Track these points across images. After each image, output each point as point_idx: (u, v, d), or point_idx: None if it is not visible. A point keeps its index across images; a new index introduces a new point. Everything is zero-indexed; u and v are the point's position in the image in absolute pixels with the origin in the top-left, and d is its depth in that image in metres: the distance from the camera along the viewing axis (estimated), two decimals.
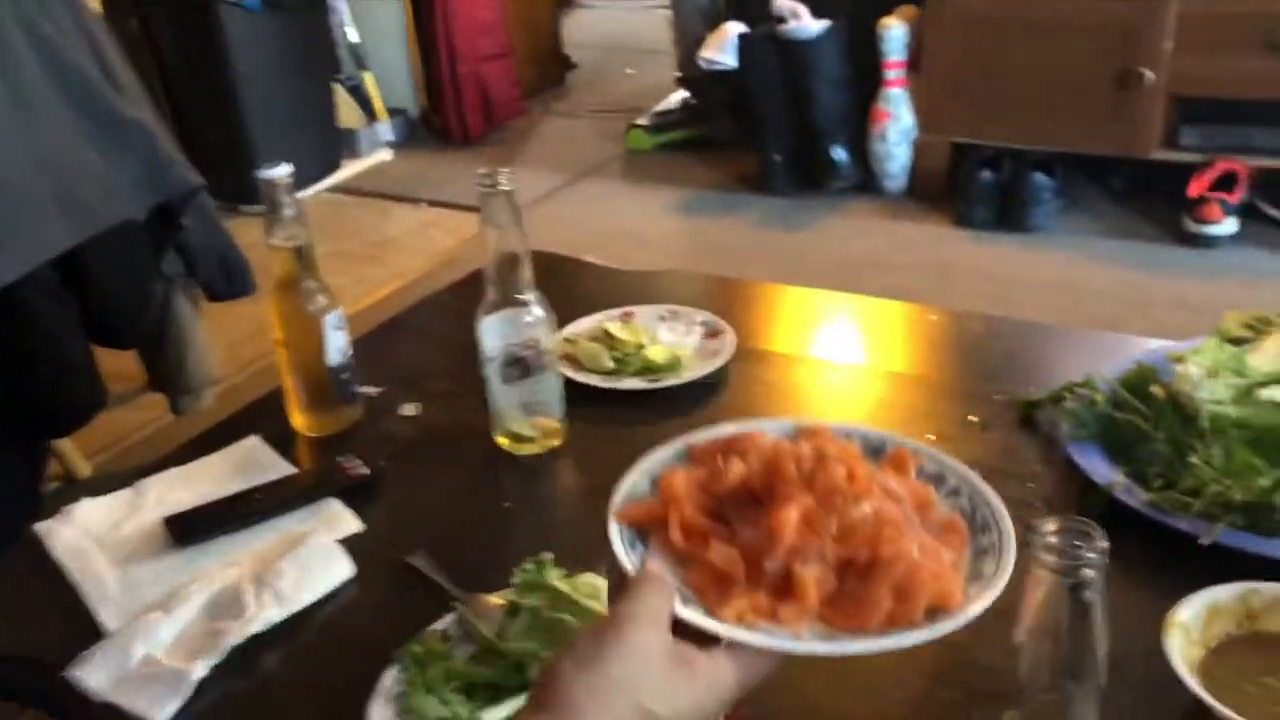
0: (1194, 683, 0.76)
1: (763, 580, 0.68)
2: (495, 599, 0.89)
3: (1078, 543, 0.53)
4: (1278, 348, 1.09)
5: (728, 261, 3.13)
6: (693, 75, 3.95)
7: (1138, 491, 0.97)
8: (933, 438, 1.14)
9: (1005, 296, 2.81)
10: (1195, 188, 2.93)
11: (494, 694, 0.82)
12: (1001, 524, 0.70)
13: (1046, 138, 3.13)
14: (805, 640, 0.65)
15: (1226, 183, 2.94)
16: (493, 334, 1.11)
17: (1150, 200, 3.15)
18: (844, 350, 1.39)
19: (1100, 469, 1.01)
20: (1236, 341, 1.15)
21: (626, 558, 0.69)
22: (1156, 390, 1.06)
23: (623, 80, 5.10)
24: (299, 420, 1.22)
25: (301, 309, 1.16)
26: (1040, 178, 3.10)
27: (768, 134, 3.52)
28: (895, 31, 3.29)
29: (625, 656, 0.59)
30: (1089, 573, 0.52)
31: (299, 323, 1.17)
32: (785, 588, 0.67)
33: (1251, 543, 0.89)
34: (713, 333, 1.34)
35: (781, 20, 3.36)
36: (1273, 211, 2.98)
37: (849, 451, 0.74)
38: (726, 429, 0.79)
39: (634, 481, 0.77)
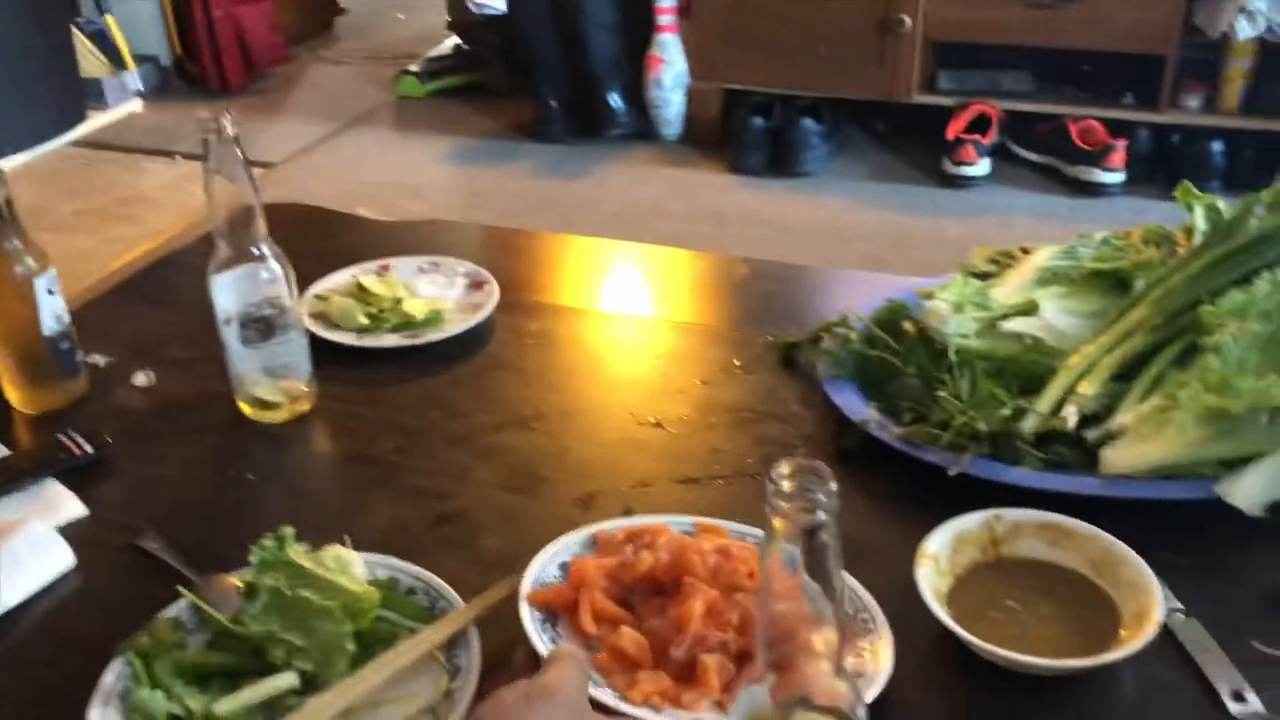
0: (941, 612, 0.77)
1: (668, 666, 0.75)
2: (234, 579, 0.82)
3: (810, 486, 0.51)
4: (1019, 280, 1.13)
5: (504, 212, 3.07)
6: (464, 20, 3.83)
7: (891, 426, 0.99)
8: (699, 382, 1.13)
9: (778, 241, 2.86)
10: (952, 130, 3.06)
11: (232, 682, 0.76)
12: (876, 616, 0.78)
13: (813, 83, 3.20)
14: None
15: (980, 125, 3.08)
16: (227, 293, 1.02)
17: (912, 143, 3.27)
18: (611, 299, 1.36)
19: (855, 406, 1.02)
20: (983, 276, 1.18)
21: (539, 639, 0.76)
22: (907, 326, 1.09)
23: (394, 26, 4.91)
24: (14, 396, 1.10)
25: (7, 274, 1.04)
26: (809, 123, 3.16)
27: (542, 81, 3.46)
28: None
29: (554, 714, 0.60)
30: (821, 515, 0.51)
31: (5, 289, 1.05)
32: (689, 674, 0.74)
33: (996, 471, 0.92)
34: (476, 284, 1.29)
35: None
36: (1022, 152, 3.14)
37: (746, 550, 0.81)
38: (633, 521, 0.87)
39: (543, 565, 0.82)
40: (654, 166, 3.34)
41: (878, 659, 0.75)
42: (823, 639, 0.55)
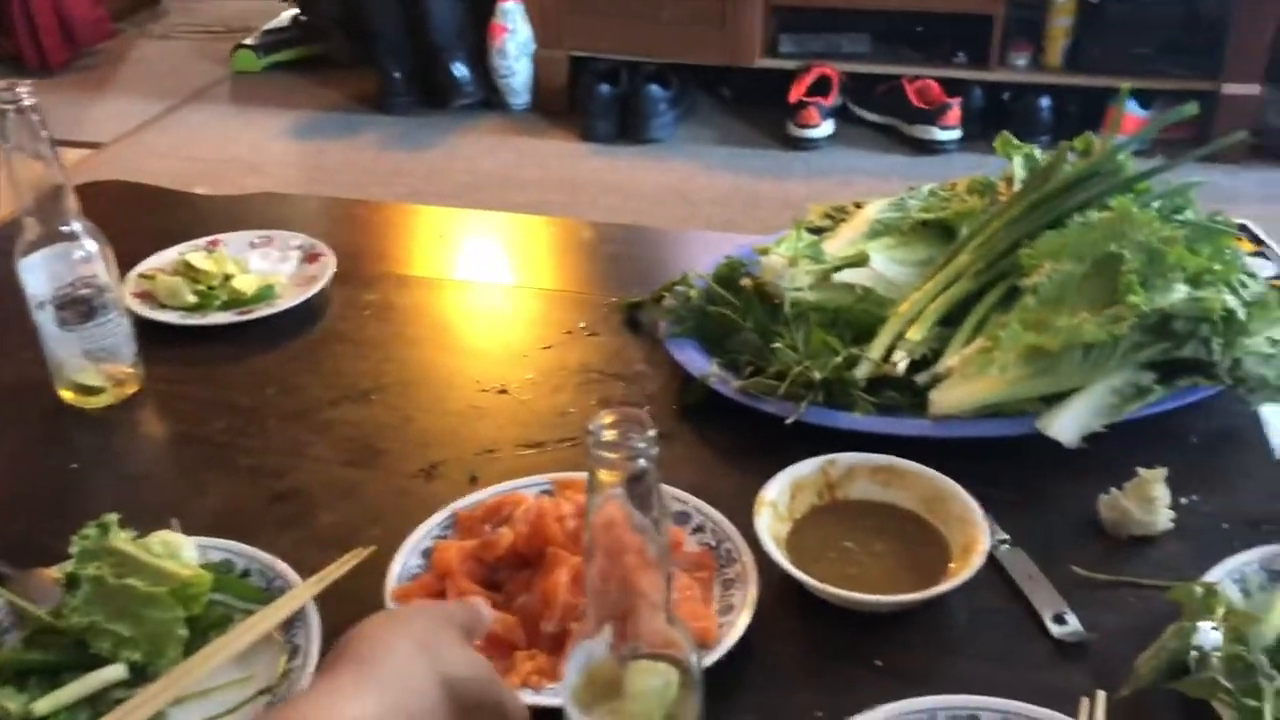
0: (779, 555, 0.79)
1: (541, 642, 0.75)
2: (53, 572, 0.79)
3: (630, 434, 0.52)
4: (852, 234, 1.15)
5: (349, 186, 2.99)
6: None
7: (731, 380, 1.00)
8: (543, 347, 1.12)
9: (628, 207, 2.86)
10: (794, 93, 3.10)
11: (54, 680, 0.72)
12: (743, 556, 0.80)
13: (658, 49, 3.20)
14: None
15: (822, 88, 3.13)
16: (38, 275, 0.97)
17: (758, 108, 3.30)
18: (453, 267, 1.34)
19: (696, 362, 1.03)
20: (818, 232, 1.21)
21: None
22: (745, 283, 1.10)
23: None
24: None
25: None
26: (656, 90, 3.17)
27: (384, 51, 3.38)
28: None
29: (410, 625, 0.58)
30: (643, 463, 0.51)
31: None
32: (564, 646, 0.73)
33: (831, 418, 0.94)
34: (312, 257, 1.26)
35: None
36: (862, 113, 3.21)
37: None
38: (488, 493, 0.86)
39: (405, 559, 0.80)
40: (503, 136, 3.30)
41: (746, 592, 0.77)
42: (653, 586, 0.55)
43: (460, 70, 3.34)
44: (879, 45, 3.19)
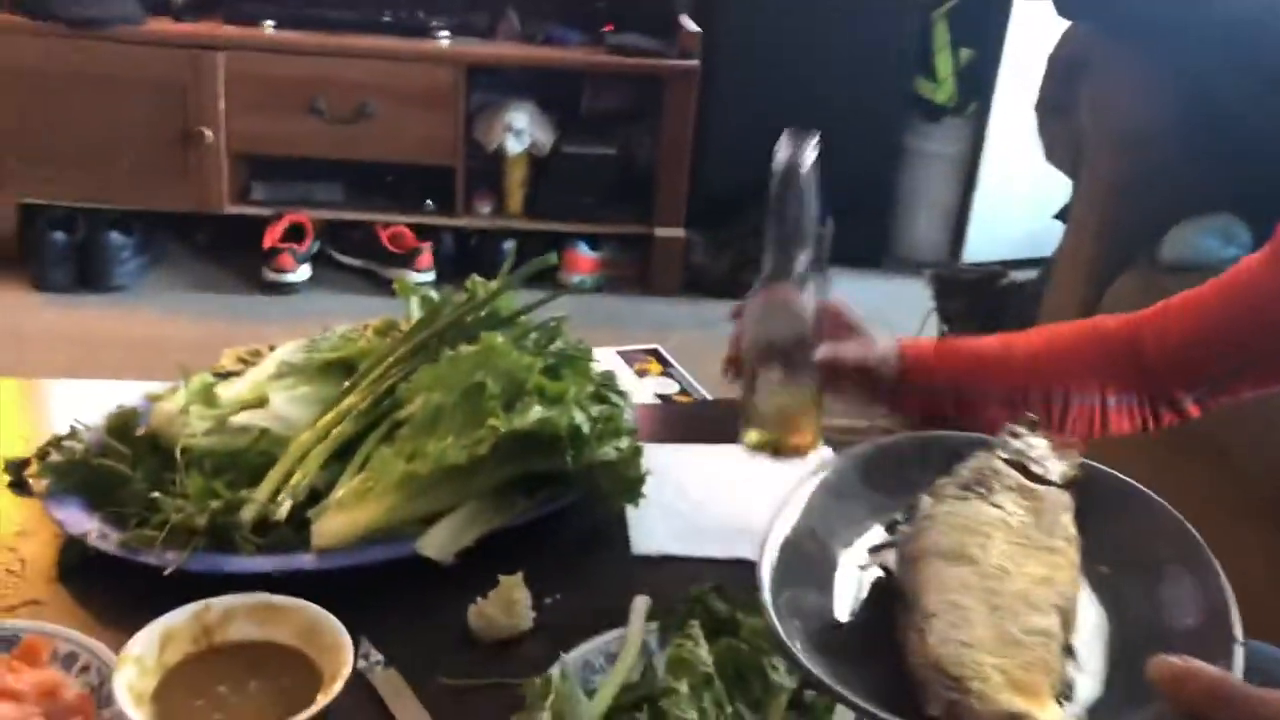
0: (132, 710, 0.76)
1: None
2: None
3: None
4: (256, 376, 1.17)
5: None
6: None
7: (113, 535, 0.97)
8: None
9: (89, 359, 2.69)
10: (269, 239, 3.10)
11: None
12: None
13: (117, 195, 3.07)
14: None
15: (297, 233, 3.16)
16: None
17: (233, 253, 3.26)
18: None
19: (77, 519, 0.99)
20: (229, 376, 1.21)
21: None
22: (139, 431, 1.08)
23: None
24: None
25: None
26: (117, 236, 3.03)
27: None
28: None
29: None
30: None
31: None
32: None
33: (215, 563, 0.94)
34: None
35: None
36: (340, 257, 3.27)
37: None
38: None
39: None
40: None
41: None
42: None
43: None
44: (352, 193, 3.29)
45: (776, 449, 1.05)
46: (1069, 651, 0.64)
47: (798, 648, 0.64)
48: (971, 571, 0.66)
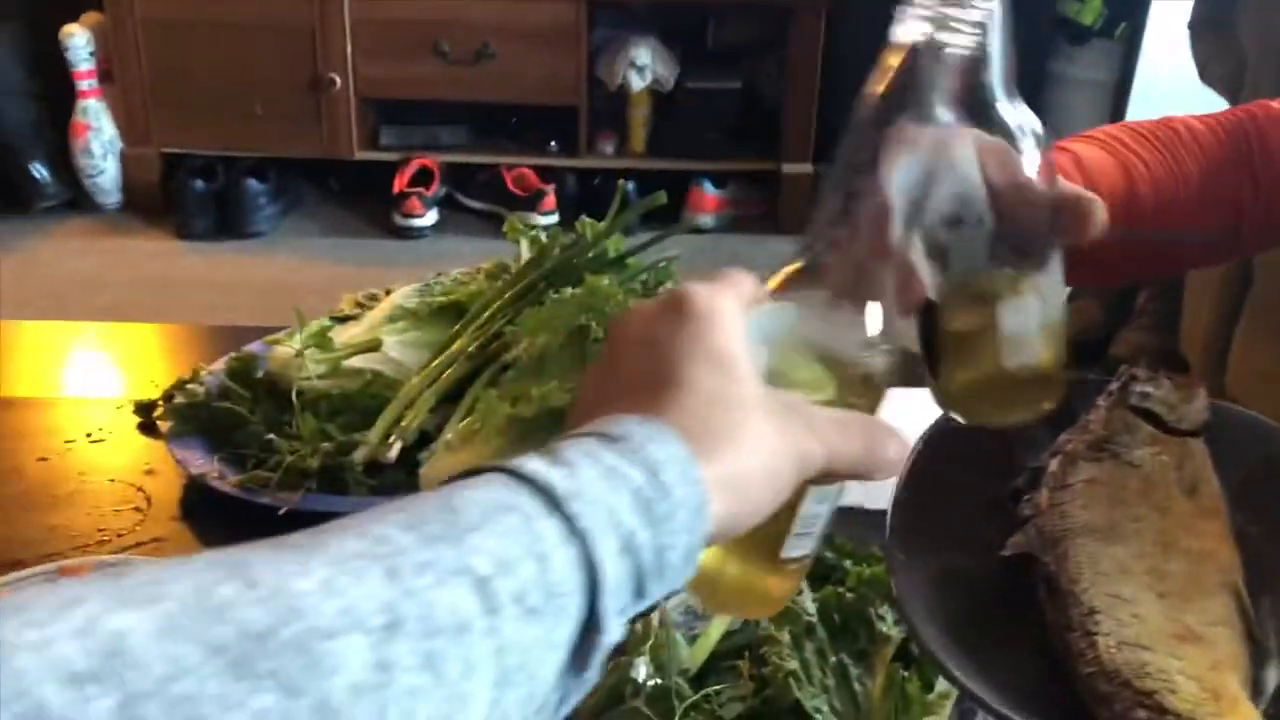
0: None
1: None
2: None
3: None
4: (371, 320, 1.19)
5: None
6: None
7: (231, 475, 0.99)
8: (37, 459, 1.07)
9: (227, 304, 2.78)
10: (397, 184, 3.15)
11: None
12: None
13: (253, 144, 3.15)
14: None
15: (425, 178, 3.20)
16: None
17: (363, 199, 3.32)
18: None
19: (197, 460, 1.02)
20: (346, 320, 1.23)
21: None
22: (259, 375, 1.10)
23: None
24: None
25: None
26: (254, 184, 3.12)
27: None
28: (78, 40, 3.08)
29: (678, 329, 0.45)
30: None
31: None
32: None
33: (327, 503, 0.96)
34: None
35: None
36: (466, 201, 3.30)
37: None
38: None
39: None
40: (90, 238, 3.12)
41: None
42: None
43: (40, 171, 3.14)
44: (476, 136, 3.31)
45: (998, 401, 0.60)
46: (1251, 639, 0.57)
47: (931, 638, 0.57)
48: (1128, 553, 0.58)
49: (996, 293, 0.55)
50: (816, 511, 0.50)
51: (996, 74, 0.52)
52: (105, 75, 3.14)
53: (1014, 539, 0.62)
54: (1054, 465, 0.64)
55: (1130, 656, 0.54)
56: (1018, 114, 0.54)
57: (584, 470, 0.39)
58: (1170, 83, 2.97)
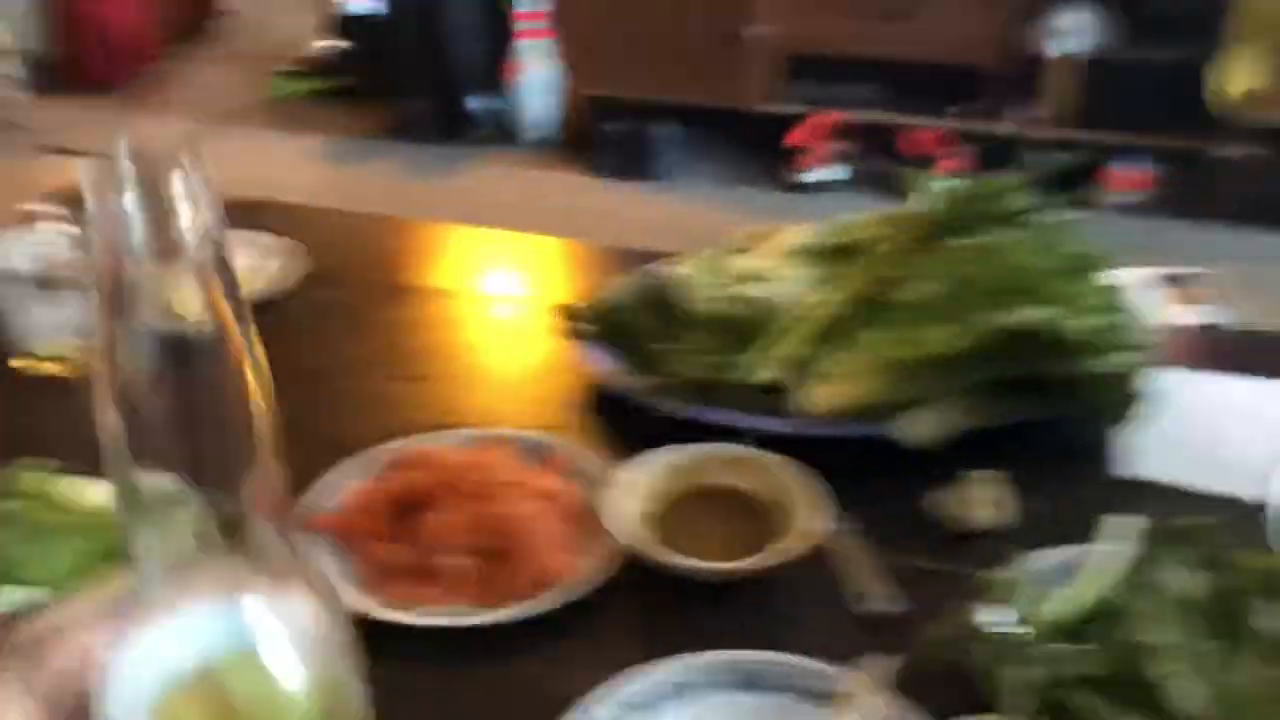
0: (633, 531, 0.87)
1: (417, 570, 0.84)
2: None
3: None
4: (767, 252, 1.24)
5: (362, 208, 3.12)
6: (341, 21, 3.88)
7: (625, 381, 1.09)
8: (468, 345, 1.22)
9: (629, 240, 2.96)
10: (796, 138, 3.21)
11: None
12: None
13: (667, 90, 3.32)
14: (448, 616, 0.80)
15: (824, 134, 3.23)
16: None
17: (762, 150, 3.41)
18: (433, 276, 1.44)
19: (601, 364, 1.12)
20: (740, 252, 1.29)
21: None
22: (658, 294, 1.19)
23: (274, 28, 4.92)
24: None
25: None
26: (666, 129, 3.29)
27: (409, 82, 3.53)
28: None
29: None
30: None
31: None
32: (432, 576, 0.84)
33: (705, 414, 1.03)
34: (283, 256, 1.37)
35: None
36: (864, 160, 3.30)
37: (506, 457, 0.94)
38: (413, 442, 0.97)
39: (315, 496, 0.91)
40: (514, 168, 3.43)
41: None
42: None
43: (478, 104, 3.48)
44: (880, 95, 3.29)
45: None
46: None
47: None
48: None
49: None
50: None
51: None
52: (550, 17, 3.42)
53: None
54: None
55: None
56: None
57: None
58: None
